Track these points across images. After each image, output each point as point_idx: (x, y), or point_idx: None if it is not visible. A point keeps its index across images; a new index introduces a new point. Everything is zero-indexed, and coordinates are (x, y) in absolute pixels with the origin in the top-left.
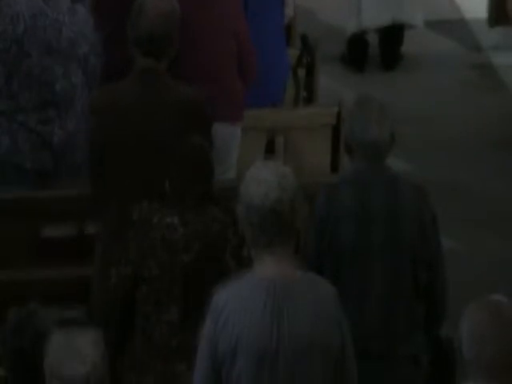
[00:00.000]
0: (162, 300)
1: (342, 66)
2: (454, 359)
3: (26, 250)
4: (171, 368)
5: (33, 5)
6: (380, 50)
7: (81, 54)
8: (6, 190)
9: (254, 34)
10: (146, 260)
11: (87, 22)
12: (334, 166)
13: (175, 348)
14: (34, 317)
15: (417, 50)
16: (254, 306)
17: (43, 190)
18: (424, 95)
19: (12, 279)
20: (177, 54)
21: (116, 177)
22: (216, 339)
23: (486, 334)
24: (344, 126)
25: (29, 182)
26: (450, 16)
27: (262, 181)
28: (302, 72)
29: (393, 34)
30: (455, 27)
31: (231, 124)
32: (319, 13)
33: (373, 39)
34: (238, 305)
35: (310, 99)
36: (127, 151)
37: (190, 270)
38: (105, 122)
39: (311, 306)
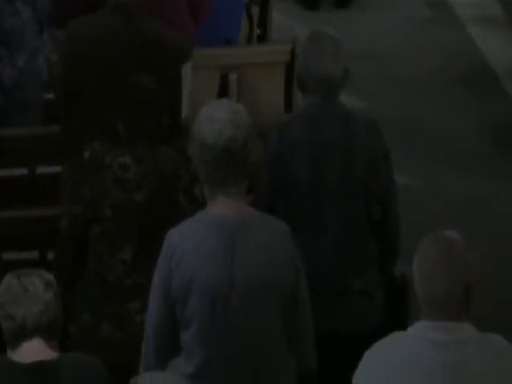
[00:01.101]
0: (115, 240)
1: (296, 3)
2: (407, 295)
3: None
4: (125, 307)
5: None
6: None
7: None
8: None
9: None
10: (98, 200)
11: None
12: (288, 104)
13: (129, 287)
14: None
15: None
16: (207, 245)
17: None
18: (379, 33)
19: None
20: None
21: (88, 116)
22: (169, 278)
23: (436, 271)
24: (297, 63)
25: None
26: None
27: (215, 119)
28: (255, 9)
29: None
30: None
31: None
32: None
33: None
34: (192, 243)
35: (263, 36)
36: (93, 86)
37: (143, 208)
38: (76, 55)
39: (264, 244)
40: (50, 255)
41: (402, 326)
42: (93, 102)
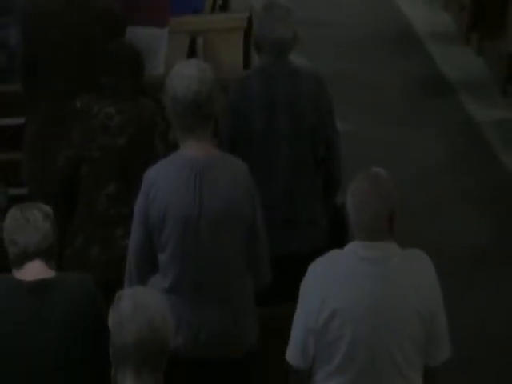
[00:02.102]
0: (102, 177)
1: None
2: (346, 221)
3: None
4: (111, 233)
5: None
6: None
7: None
8: None
9: None
10: (87, 144)
11: None
12: (246, 63)
13: (113, 217)
14: None
15: None
16: (179, 180)
17: (1, 85)
18: (326, 3)
19: None
20: None
21: (49, 76)
22: (147, 209)
23: (364, 201)
24: (254, 28)
25: None
26: None
27: (184, 76)
28: None
29: None
30: None
31: (160, 28)
32: None
33: None
34: (166, 180)
35: (224, 7)
36: (58, 50)
37: (124, 151)
38: (37, 27)
39: (227, 179)
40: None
41: (342, 246)
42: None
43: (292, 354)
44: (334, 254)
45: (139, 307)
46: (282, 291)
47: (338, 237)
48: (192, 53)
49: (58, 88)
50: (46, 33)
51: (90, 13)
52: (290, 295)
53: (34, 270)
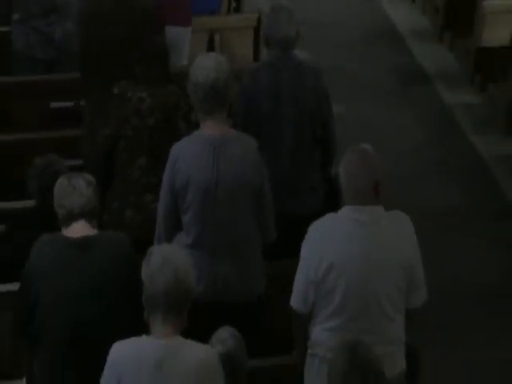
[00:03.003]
0: (134, 152)
1: None
2: (339, 189)
3: (40, 118)
4: (142, 199)
5: None
6: None
7: None
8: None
9: None
10: (122, 123)
11: None
12: (256, 56)
13: (144, 185)
14: (53, 163)
15: None
16: (200, 154)
17: (50, 74)
18: (324, 6)
19: (26, 140)
20: None
21: (100, 65)
22: (173, 179)
23: (356, 171)
24: (262, 27)
25: (39, 68)
26: None
27: (204, 66)
28: None
29: None
30: None
31: (184, 27)
32: None
33: None
34: (189, 154)
35: (237, 8)
36: (108, 45)
37: (154, 130)
38: (90, 25)
39: (240, 154)
40: None
41: (336, 210)
42: (108, 58)
43: (295, 301)
44: (330, 216)
45: (167, 262)
46: (285, 248)
47: (332, 202)
48: (210, 47)
49: (106, 76)
50: (97, 29)
51: (133, 13)
52: (292, 251)
53: (78, 229)
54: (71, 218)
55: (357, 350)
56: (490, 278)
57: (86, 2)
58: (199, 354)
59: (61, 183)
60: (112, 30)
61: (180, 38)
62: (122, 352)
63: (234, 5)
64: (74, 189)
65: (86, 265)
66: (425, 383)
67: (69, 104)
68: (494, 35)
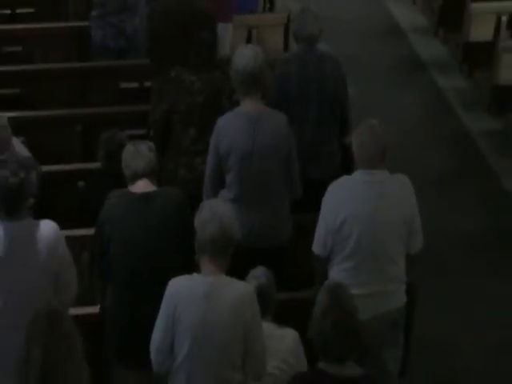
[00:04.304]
0: (186, 124)
1: None
2: (353, 156)
3: (111, 95)
4: (192, 161)
5: None
6: None
7: None
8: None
9: None
10: (177, 100)
11: None
12: (285, 49)
13: (194, 151)
14: (117, 133)
15: None
16: (240, 126)
17: (122, 61)
18: (344, 5)
19: (101, 113)
20: None
21: (163, 53)
22: (218, 146)
23: (365, 140)
24: (292, 25)
25: (113, 56)
26: None
27: (244, 56)
28: None
29: None
30: None
31: (227, 23)
32: None
33: None
34: (231, 126)
35: (271, 8)
36: (170, 38)
37: (202, 106)
38: (159, 21)
39: (272, 126)
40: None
41: (350, 173)
42: (169, 47)
43: (316, 246)
44: (345, 178)
45: (214, 214)
46: (308, 204)
47: (347, 167)
48: (248, 40)
49: (166, 62)
50: (162, 25)
51: (190, 13)
52: (314, 206)
53: (142, 186)
54: (136, 177)
55: (337, 291)
56: (474, 227)
57: (157, 3)
58: (240, 289)
59: (128, 149)
60: (174, 26)
61: (224, 32)
62: (177, 287)
63: (268, 6)
64: (138, 153)
65: (147, 214)
66: (420, 313)
67: (134, 85)
68: (479, 32)
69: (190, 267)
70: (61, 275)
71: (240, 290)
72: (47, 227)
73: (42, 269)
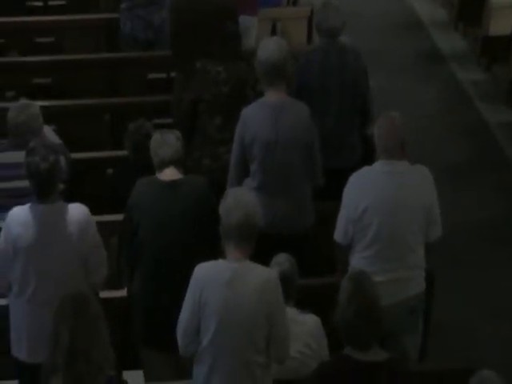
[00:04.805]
0: (212, 113)
1: None
2: (373, 147)
3: (139, 86)
4: (217, 151)
5: None
6: None
7: None
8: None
9: None
10: (203, 90)
11: None
12: (309, 41)
13: (219, 140)
14: (144, 124)
15: None
16: (263, 116)
17: (150, 52)
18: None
19: (129, 103)
20: None
21: (187, 45)
22: (243, 135)
23: (385, 133)
24: (315, 18)
25: (141, 47)
26: None
27: (268, 47)
28: None
29: None
30: None
31: (252, 16)
32: None
33: None
34: (255, 116)
35: (295, 2)
36: (194, 29)
37: (227, 96)
38: (180, 13)
39: (295, 117)
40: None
41: (371, 164)
42: (192, 39)
43: (338, 235)
44: (366, 169)
45: (239, 202)
46: (329, 192)
47: (368, 157)
48: (273, 33)
49: (191, 54)
50: (186, 17)
51: (213, 5)
52: (335, 195)
53: (168, 173)
54: (163, 164)
55: (360, 278)
56: (491, 218)
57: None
58: (264, 274)
59: (156, 137)
60: (197, 18)
61: (249, 25)
62: (203, 272)
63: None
64: (165, 142)
65: (175, 200)
66: (437, 303)
67: (162, 75)
68: (498, 26)
69: (216, 253)
70: (91, 257)
71: (264, 276)
72: (78, 210)
73: (72, 250)
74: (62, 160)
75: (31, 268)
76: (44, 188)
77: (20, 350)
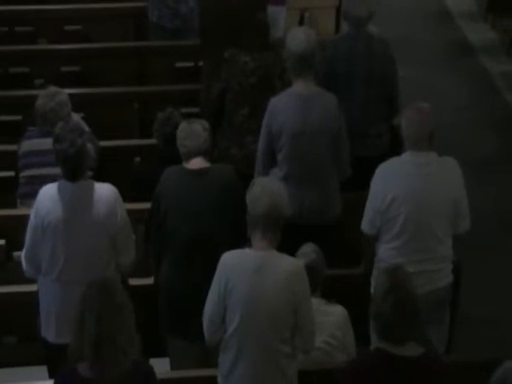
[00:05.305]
0: (239, 102)
1: None
2: (401, 137)
3: (167, 74)
4: (244, 140)
5: None
6: None
7: None
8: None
9: None
10: (231, 80)
11: None
12: (337, 30)
13: (246, 129)
14: (173, 114)
15: None
16: (291, 106)
17: (176, 41)
18: None
19: (157, 91)
20: None
21: (215, 35)
22: (270, 125)
23: (414, 123)
24: (342, 7)
25: (168, 35)
26: None
27: (296, 37)
28: None
29: None
30: None
31: (281, 6)
32: None
33: None
34: (283, 106)
35: None
36: (222, 19)
37: (255, 86)
38: (208, 3)
39: (323, 106)
40: None
41: (399, 154)
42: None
43: (365, 225)
44: (394, 159)
45: (265, 191)
46: (356, 182)
47: (395, 147)
48: (301, 22)
49: (219, 43)
50: (213, 9)
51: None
52: (362, 185)
53: (196, 163)
54: (190, 155)
55: (396, 272)
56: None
57: None
58: (289, 264)
59: (183, 127)
60: (226, 8)
61: (277, 14)
62: (229, 260)
63: None
64: (192, 132)
65: (201, 189)
66: (465, 291)
67: (189, 64)
68: None
69: (242, 243)
70: (119, 237)
71: (290, 265)
72: (107, 188)
73: (101, 227)
74: (88, 142)
75: (60, 244)
76: (74, 172)
77: (48, 330)
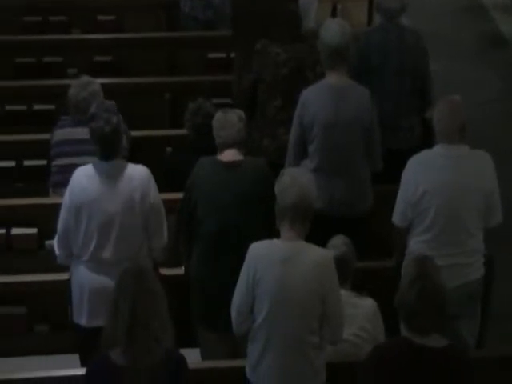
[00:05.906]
0: (272, 93)
1: None
2: (433, 130)
3: (199, 65)
4: (276, 132)
5: None
6: None
7: None
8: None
9: None
10: (263, 70)
11: None
12: (369, 22)
13: (278, 121)
14: (204, 105)
15: None
16: (323, 98)
17: (209, 31)
18: None
19: (189, 82)
20: None
21: (247, 26)
22: (302, 117)
23: (446, 115)
24: (375, 0)
25: (201, 26)
26: None
27: (331, 29)
28: None
29: None
30: None
31: None
32: None
33: None
34: (315, 98)
35: None
36: (254, 11)
37: (287, 77)
38: (240, 5)
39: (355, 98)
40: None
41: (430, 147)
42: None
43: (396, 217)
44: (425, 152)
45: (294, 181)
46: (387, 174)
47: (427, 140)
48: (333, 15)
49: (251, 35)
50: (244, 4)
51: None
52: (394, 178)
53: (230, 154)
54: (225, 146)
55: (424, 262)
56: None
57: None
58: (318, 254)
59: (218, 117)
60: (257, 0)
61: (309, 6)
62: (258, 250)
63: None
64: (228, 122)
65: (233, 181)
66: (497, 286)
67: (221, 55)
68: None
69: (272, 235)
70: (151, 219)
71: (318, 256)
72: (140, 169)
73: (134, 207)
74: (124, 138)
75: (93, 223)
76: (109, 150)
77: (81, 314)
